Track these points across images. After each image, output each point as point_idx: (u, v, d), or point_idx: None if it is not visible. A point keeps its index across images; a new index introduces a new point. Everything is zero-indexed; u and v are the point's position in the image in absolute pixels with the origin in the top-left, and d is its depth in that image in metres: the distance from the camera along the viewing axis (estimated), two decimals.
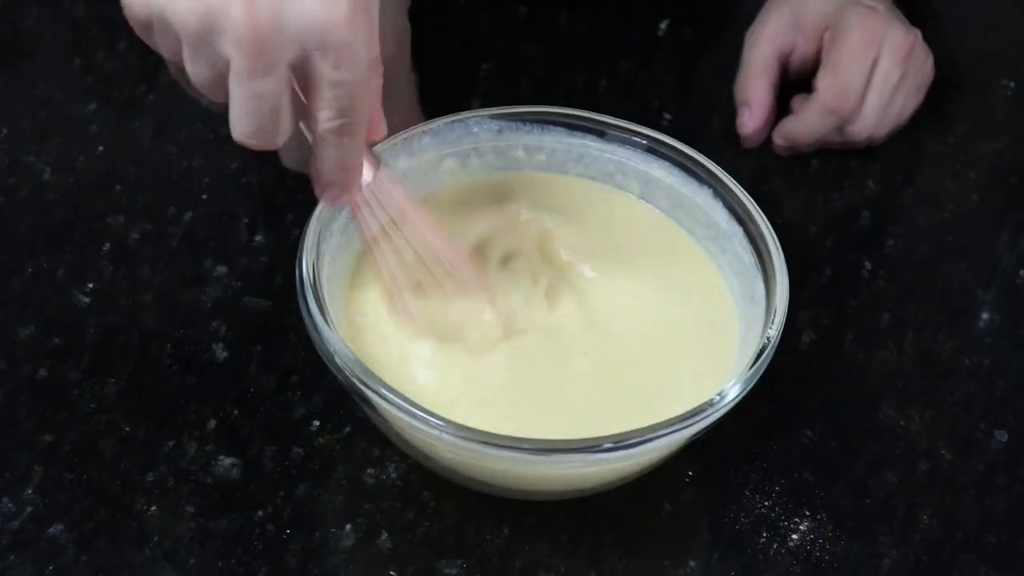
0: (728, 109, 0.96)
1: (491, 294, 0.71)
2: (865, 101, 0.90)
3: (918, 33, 0.92)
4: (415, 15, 1.03)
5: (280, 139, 0.61)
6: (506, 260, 0.74)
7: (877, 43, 0.89)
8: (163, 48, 0.61)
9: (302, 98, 0.61)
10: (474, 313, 0.69)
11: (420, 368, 0.68)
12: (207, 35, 0.57)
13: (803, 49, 0.93)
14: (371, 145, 0.67)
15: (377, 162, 0.67)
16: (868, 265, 0.86)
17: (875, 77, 0.90)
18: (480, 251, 0.73)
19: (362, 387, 0.62)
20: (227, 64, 0.58)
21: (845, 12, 0.91)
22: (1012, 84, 1.03)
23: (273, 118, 0.60)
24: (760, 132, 0.94)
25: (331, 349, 0.63)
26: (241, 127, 0.60)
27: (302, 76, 0.60)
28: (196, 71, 0.60)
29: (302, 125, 0.63)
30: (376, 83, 0.64)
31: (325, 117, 0.61)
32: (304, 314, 0.65)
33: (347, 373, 0.63)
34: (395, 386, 0.62)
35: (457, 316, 0.69)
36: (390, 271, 0.69)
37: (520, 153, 0.78)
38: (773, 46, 0.94)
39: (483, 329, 0.69)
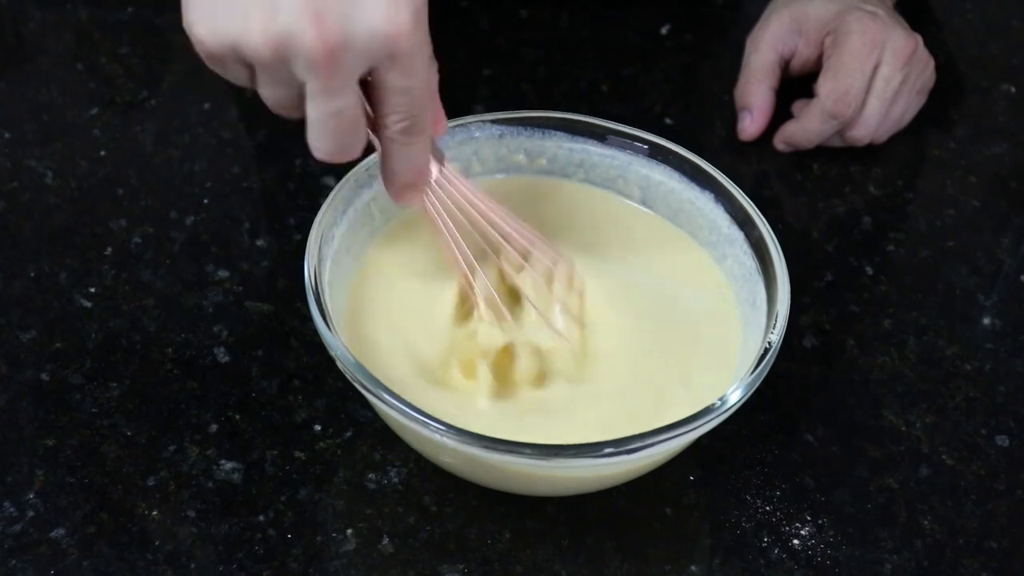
0: (729, 113, 0.96)
1: (570, 274, 0.72)
2: (866, 106, 0.90)
3: (919, 38, 0.92)
4: None
5: (359, 150, 0.63)
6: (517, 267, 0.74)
7: (878, 48, 0.89)
8: (237, 78, 0.62)
9: (367, 107, 0.62)
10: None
11: (422, 370, 0.68)
12: (281, 60, 0.58)
13: (804, 54, 0.94)
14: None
15: (442, 156, 0.68)
16: (869, 270, 0.86)
17: (876, 82, 0.90)
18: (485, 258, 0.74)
19: (364, 391, 0.62)
20: (302, 86, 0.59)
21: (846, 17, 0.91)
22: (1013, 89, 1.03)
23: (352, 133, 0.61)
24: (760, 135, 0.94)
25: (333, 353, 0.63)
26: (324, 146, 0.62)
27: (364, 85, 0.61)
28: (272, 95, 0.61)
29: (368, 132, 0.64)
30: (434, 80, 0.65)
31: (394, 121, 0.62)
32: (315, 315, 0.65)
33: (348, 378, 0.63)
34: (396, 389, 0.62)
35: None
36: (470, 264, 0.70)
37: (521, 158, 0.78)
38: (774, 51, 0.94)
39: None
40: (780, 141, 0.94)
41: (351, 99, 0.60)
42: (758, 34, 0.95)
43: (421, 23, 0.59)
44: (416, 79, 0.60)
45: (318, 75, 0.58)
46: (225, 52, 0.59)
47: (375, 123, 0.63)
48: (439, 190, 0.68)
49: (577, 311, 0.71)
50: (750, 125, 0.94)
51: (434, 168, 0.68)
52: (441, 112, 0.68)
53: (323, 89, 0.58)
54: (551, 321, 0.70)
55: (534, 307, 0.70)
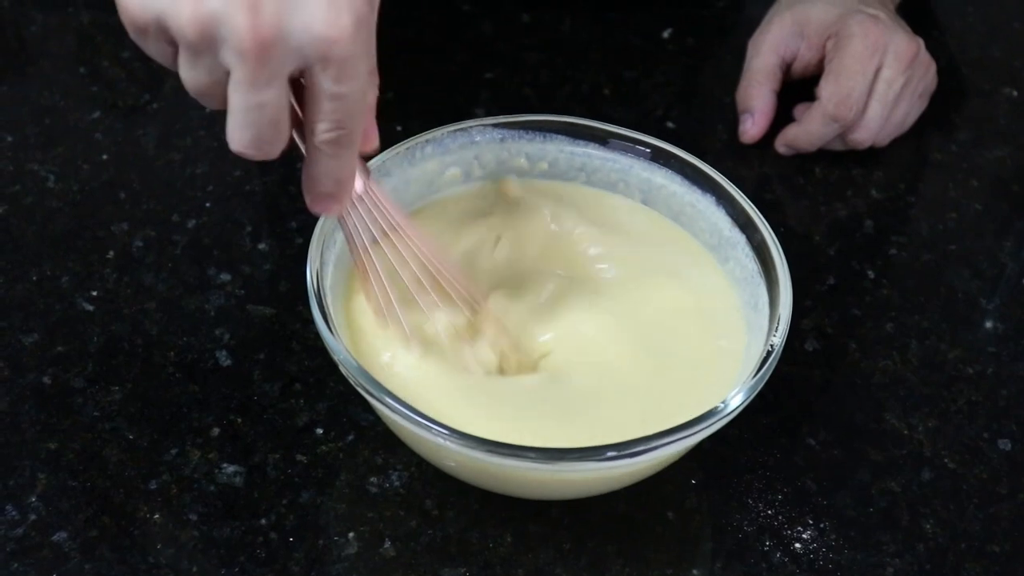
0: (731, 117, 0.96)
1: (481, 307, 0.70)
2: (867, 109, 0.90)
3: (921, 42, 0.92)
4: (418, 22, 1.03)
5: (277, 150, 0.61)
6: (512, 264, 0.74)
7: (880, 51, 0.89)
8: (157, 54, 0.60)
9: (297, 109, 0.61)
10: (462, 332, 0.70)
11: (423, 374, 0.68)
12: (208, 43, 0.56)
13: (806, 57, 0.94)
14: (363, 157, 0.66)
15: (367, 173, 0.67)
16: (871, 273, 0.86)
17: (877, 85, 0.90)
18: (484, 253, 0.74)
19: (367, 395, 0.62)
20: (226, 73, 0.58)
21: (848, 20, 0.91)
22: (1015, 92, 1.03)
23: (272, 129, 0.59)
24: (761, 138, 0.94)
25: (336, 357, 0.63)
26: (239, 138, 0.60)
27: (298, 87, 0.60)
28: (192, 77, 0.59)
29: (295, 135, 0.62)
30: (372, 94, 0.63)
31: (323, 129, 0.60)
32: (317, 321, 0.65)
33: (351, 382, 0.63)
34: (396, 391, 0.62)
35: (447, 332, 0.69)
36: (379, 280, 0.68)
37: (522, 161, 0.78)
38: (776, 54, 0.94)
39: (480, 357, 0.69)
40: (781, 144, 0.94)
41: (276, 94, 0.58)
42: (760, 37, 0.95)
43: (362, 31, 0.57)
44: (349, 87, 0.58)
45: (245, 64, 0.56)
46: (148, 23, 0.58)
47: (304, 127, 0.61)
48: (362, 206, 0.67)
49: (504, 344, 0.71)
50: (751, 128, 0.94)
51: (359, 183, 0.66)
52: (374, 128, 0.66)
53: (248, 79, 0.57)
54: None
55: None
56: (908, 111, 0.93)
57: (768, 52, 0.94)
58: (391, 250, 0.68)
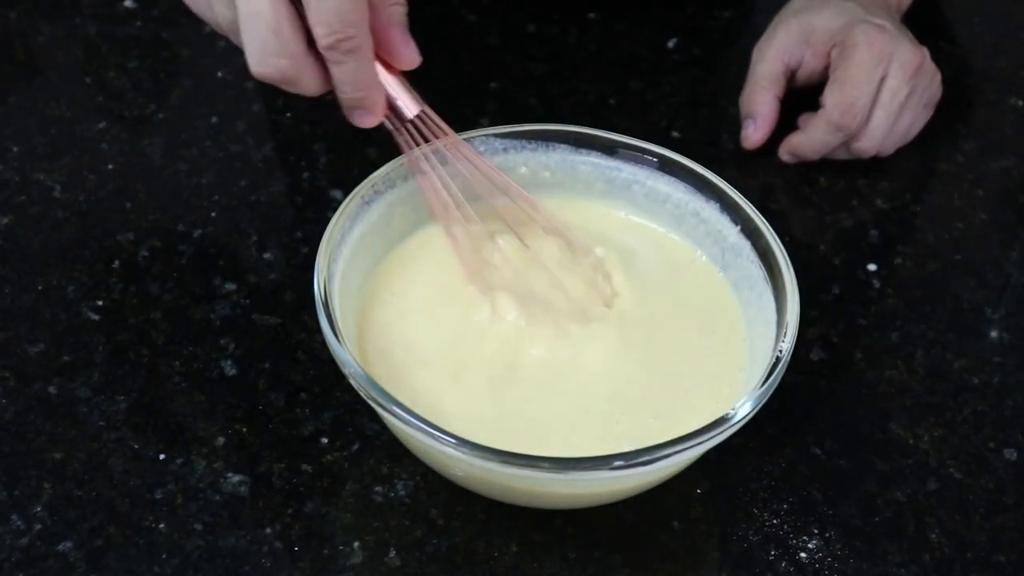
0: (736, 127, 0.97)
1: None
2: (872, 118, 0.90)
3: (926, 51, 0.92)
4: (424, 32, 1.03)
5: (289, 66, 0.65)
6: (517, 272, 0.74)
7: (885, 60, 0.89)
8: None
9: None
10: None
11: (430, 380, 0.68)
12: None
13: (811, 65, 0.94)
14: (405, 76, 0.70)
15: (419, 99, 0.70)
16: (877, 283, 0.86)
17: (882, 94, 0.90)
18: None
19: (376, 406, 0.62)
20: None
21: (853, 29, 0.91)
22: (1020, 102, 1.03)
23: (274, 38, 0.63)
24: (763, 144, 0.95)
25: (345, 370, 0.64)
26: (249, 54, 0.64)
27: None
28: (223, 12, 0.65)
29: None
30: (388, 6, 0.68)
31: (321, 33, 0.64)
32: (325, 331, 0.65)
33: (360, 392, 0.63)
34: (405, 401, 0.62)
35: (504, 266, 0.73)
36: (442, 201, 0.72)
37: (524, 171, 0.78)
38: (780, 61, 0.94)
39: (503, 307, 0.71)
40: (785, 152, 0.94)
41: (265, 2, 0.62)
42: (765, 43, 0.96)
43: None
44: None
45: None
46: None
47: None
48: (419, 131, 0.71)
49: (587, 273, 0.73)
50: (754, 133, 0.94)
51: (412, 107, 0.70)
52: (409, 44, 0.69)
53: None
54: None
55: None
56: (913, 121, 0.93)
57: (772, 58, 0.94)
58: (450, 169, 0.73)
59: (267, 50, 0.64)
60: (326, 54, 0.65)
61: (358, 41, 0.65)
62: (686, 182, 0.76)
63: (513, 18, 1.05)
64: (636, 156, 0.77)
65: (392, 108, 0.70)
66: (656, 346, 0.71)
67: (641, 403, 0.68)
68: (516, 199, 0.75)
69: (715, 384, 0.69)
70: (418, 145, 0.72)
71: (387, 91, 0.70)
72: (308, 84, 0.67)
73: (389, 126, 0.71)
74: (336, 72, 0.66)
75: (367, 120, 0.70)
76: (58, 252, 0.83)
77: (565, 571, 0.68)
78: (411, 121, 0.71)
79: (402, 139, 0.72)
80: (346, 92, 0.68)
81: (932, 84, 0.94)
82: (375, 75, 0.68)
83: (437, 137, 0.72)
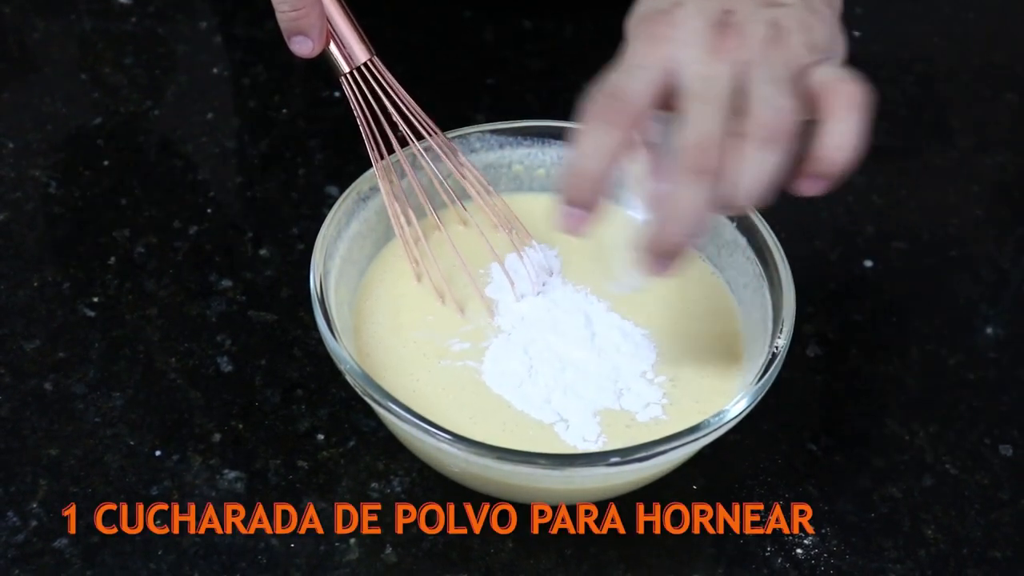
0: None
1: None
2: None
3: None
4: (420, 28, 1.03)
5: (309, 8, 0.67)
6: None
7: None
8: None
9: None
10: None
11: (426, 376, 0.68)
12: None
13: None
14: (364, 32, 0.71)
15: (370, 48, 0.71)
16: (873, 279, 0.86)
17: None
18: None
19: (372, 403, 0.62)
20: None
21: None
22: (1016, 98, 1.03)
23: None
24: None
25: (341, 367, 0.64)
26: None
27: None
28: None
29: None
30: None
31: None
32: (321, 327, 0.65)
33: (356, 389, 0.63)
34: (401, 397, 0.62)
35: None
36: (377, 152, 0.72)
37: (519, 168, 0.78)
38: None
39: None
40: None
41: None
42: None
43: None
44: None
45: None
46: None
47: None
48: (365, 81, 0.71)
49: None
50: None
51: (362, 54, 0.71)
52: None
53: None
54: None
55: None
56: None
57: None
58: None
59: None
60: None
61: None
62: None
63: (509, 14, 1.05)
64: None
65: (341, 53, 0.71)
66: (652, 341, 0.71)
67: (636, 398, 0.68)
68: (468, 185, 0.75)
69: (711, 380, 0.69)
70: (386, 141, 0.72)
71: (334, 33, 0.70)
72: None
73: (364, 131, 0.71)
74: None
75: (305, 47, 0.70)
76: (53, 248, 0.83)
77: (561, 567, 0.68)
78: (358, 71, 0.71)
79: (346, 88, 0.72)
80: (283, 10, 0.68)
81: (787, 58, 0.61)
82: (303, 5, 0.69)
83: (386, 93, 0.72)
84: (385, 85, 0.72)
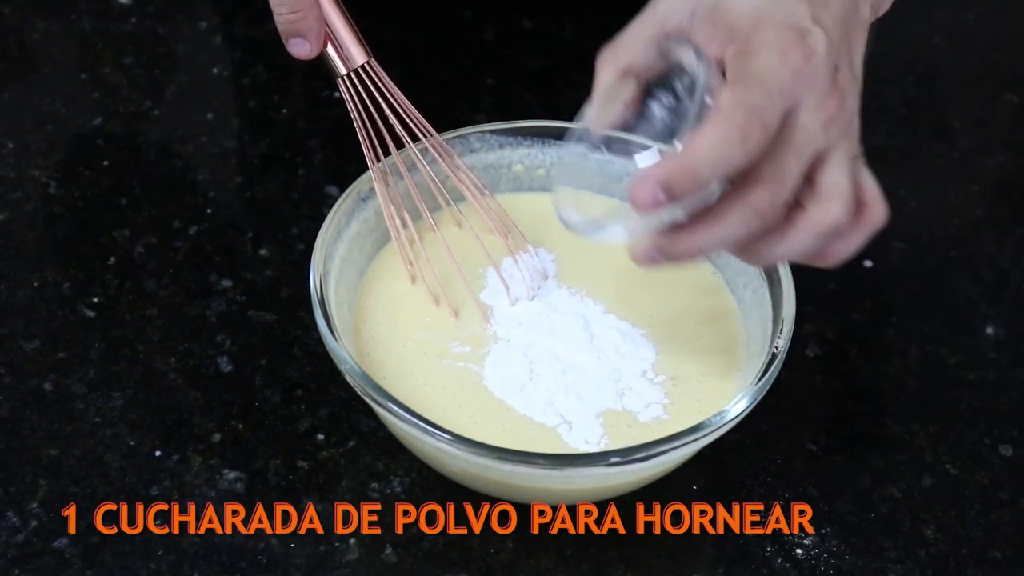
0: None
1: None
2: (781, 162, 0.61)
3: (847, 91, 0.59)
4: (420, 28, 1.03)
5: (312, 20, 0.68)
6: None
7: (800, 82, 0.58)
8: None
9: None
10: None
11: (426, 376, 0.68)
12: None
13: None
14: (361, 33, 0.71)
15: (367, 50, 0.71)
16: (873, 279, 0.86)
17: (794, 132, 0.58)
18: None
19: (372, 403, 0.62)
20: None
21: (764, 26, 0.58)
22: (1016, 98, 1.03)
23: None
24: None
25: (341, 367, 0.64)
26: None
27: None
28: None
29: None
30: None
31: None
32: (321, 327, 0.65)
33: (356, 389, 0.63)
34: (401, 397, 0.62)
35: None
36: (373, 155, 0.72)
37: (519, 168, 0.78)
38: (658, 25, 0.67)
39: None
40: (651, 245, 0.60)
41: None
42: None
43: None
44: None
45: None
46: None
47: None
48: (362, 83, 0.71)
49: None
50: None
51: (359, 56, 0.71)
52: None
53: None
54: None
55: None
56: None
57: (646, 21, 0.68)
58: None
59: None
60: None
61: None
62: None
63: (509, 14, 1.05)
64: (632, 151, 0.77)
65: (339, 55, 0.71)
66: (652, 341, 0.71)
67: (636, 398, 0.68)
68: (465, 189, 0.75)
69: (711, 380, 0.69)
70: (383, 143, 0.73)
71: (332, 35, 0.71)
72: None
73: (360, 133, 0.72)
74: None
75: (303, 49, 0.70)
76: (53, 248, 0.83)
77: (561, 567, 0.68)
78: (356, 74, 0.72)
79: (344, 90, 0.72)
80: (281, 12, 0.68)
81: (852, 146, 0.60)
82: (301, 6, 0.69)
83: (382, 95, 0.72)
84: (382, 87, 0.72)
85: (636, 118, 0.64)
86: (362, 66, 0.72)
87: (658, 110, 0.63)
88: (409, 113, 0.73)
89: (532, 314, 0.72)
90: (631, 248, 0.59)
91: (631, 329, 0.71)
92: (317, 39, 0.70)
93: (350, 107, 0.72)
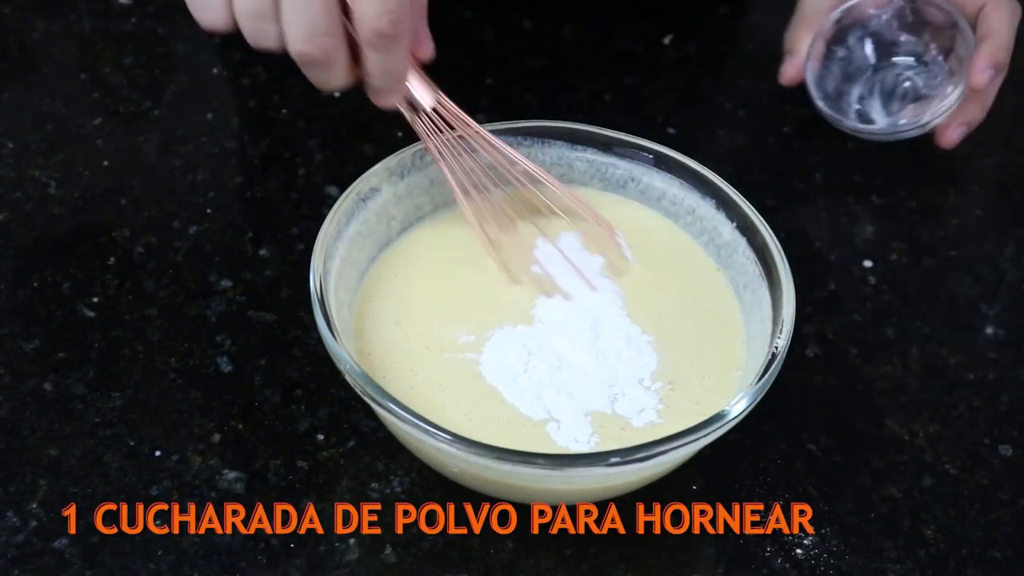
0: (731, 123, 0.96)
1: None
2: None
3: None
4: None
5: (332, 41, 0.65)
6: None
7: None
8: None
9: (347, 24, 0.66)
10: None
11: (426, 376, 0.68)
12: None
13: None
14: (422, 66, 0.72)
15: (435, 88, 0.72)
16: (872, 279, 0.86)
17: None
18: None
19: (372, 403, 0.62)
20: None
21: None
22: (1016, 98, 1.03)
23: (327, 17, 0.64)
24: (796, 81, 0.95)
25: (341, 367, 0.64)
26: (294, 32, 0.65)
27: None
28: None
29: (351, 28, 0.66)
30: None
31: (371, 15, 0.64)
32: (321, 328, 0.65)
33: (356, 389, 0.63)
34: (400, 397, 0.62)
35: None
36: (462, 186, 0.73)
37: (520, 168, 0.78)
38: None
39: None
40: (958, 127, 0.93)
41: None
42: None
43: None
44: None
45: None
46: None
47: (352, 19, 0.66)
48: (436, 122, 0.72)
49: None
50: (789, 68, 0.94)
51: (428, 97, 0.71)
52: (427, 34, 0.71)
53: None
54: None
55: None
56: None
57: None
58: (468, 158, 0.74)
59: (317, 29, 0.64)
60: (371, 39, 0.65)
61: (402, 29, 0.66)
62: (682, 179, 0.76)
63: (508, 14, 1.05)
64: (632, 152, 0.77)
65: (409, 98, 0.72)
66: (652, 341, 0.71)
67: (637, 399, 0.68)
68: (543, 185, 0.75)
69: (711, 381, 0.69)
70: (440, 132, 0.73)
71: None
72: (341, 69, 0.68)
73: (407, 115, 0.72)
74: (374, 59, 0.67)
75: (388, 103, 0.71)
76: (53, 248, 0.83)
77: (561, 567, 0.68)
78: (426, 112, 0.72)
79: (419, 127, 0.72)
80: (378, 78, 0.68)
81: None
82: (408, 66, 0.70)
83: (453, 127, 0.73)
84: (451, 120, 0.73)
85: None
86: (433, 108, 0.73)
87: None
88: (485, 141, 0.74)
89: (548, 301, 0.72)
90: (941, 130, 0.91)
91: (639, 335, 0.71)
92: (402, 94, 0.71)
93: (429, 145, 0.73)
